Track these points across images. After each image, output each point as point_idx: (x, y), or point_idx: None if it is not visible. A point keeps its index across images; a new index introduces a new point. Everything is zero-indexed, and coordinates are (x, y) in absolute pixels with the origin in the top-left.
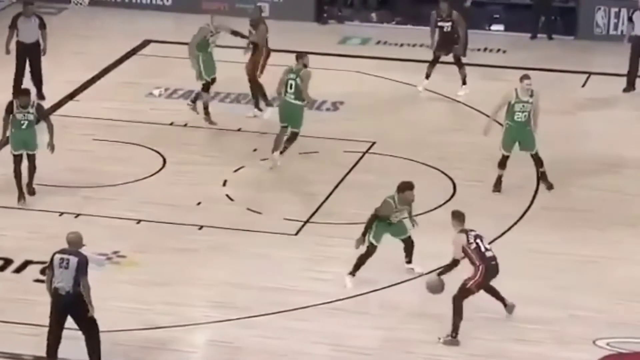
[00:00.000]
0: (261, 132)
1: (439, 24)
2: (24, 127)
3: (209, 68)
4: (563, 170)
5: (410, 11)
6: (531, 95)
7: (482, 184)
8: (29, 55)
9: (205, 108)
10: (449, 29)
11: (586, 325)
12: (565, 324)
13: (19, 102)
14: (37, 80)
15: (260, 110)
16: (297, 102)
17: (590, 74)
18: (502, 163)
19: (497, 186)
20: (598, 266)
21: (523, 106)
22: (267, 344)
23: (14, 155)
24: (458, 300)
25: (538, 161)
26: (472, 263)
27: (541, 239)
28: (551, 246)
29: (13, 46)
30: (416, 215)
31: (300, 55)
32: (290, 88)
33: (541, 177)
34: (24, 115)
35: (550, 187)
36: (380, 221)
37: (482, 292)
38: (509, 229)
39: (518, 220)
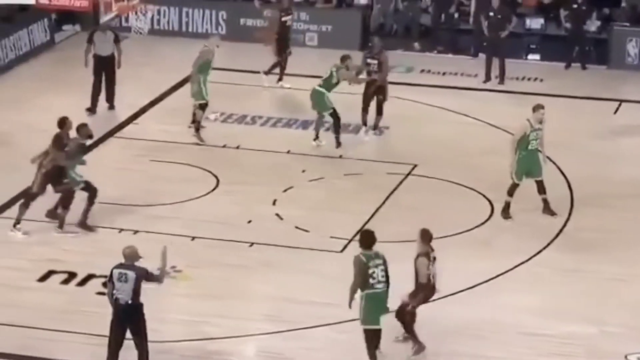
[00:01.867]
0: (309, 155)
1: (368, 60)
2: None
3: (207, 89)
4: (596, 192)
5: (451, 41)
6: (541, 122)
7: (518, 205)
8: (105, 68)
9: (198, 123)
10: (375, 68)
11: (618, 340)
12: (597, 340)
13: (82, 134)
14: (111, 91)
15: None
16: (321, 89)
17: (621, 101)
18: (513, 191)
19: (507, 213)
20: (629, 284)
21: (536, 134)
22: (315, 356)
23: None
24: (408, 325)
25: (542, 188)
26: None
27: (574, 257)
28: (584, 265)
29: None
30: (457, 234)
31: (344, 58)
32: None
33: (544, 204)
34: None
35: (553, 214)
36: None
37: (523, 309)
38: (544, 248)
39: (552, 240)
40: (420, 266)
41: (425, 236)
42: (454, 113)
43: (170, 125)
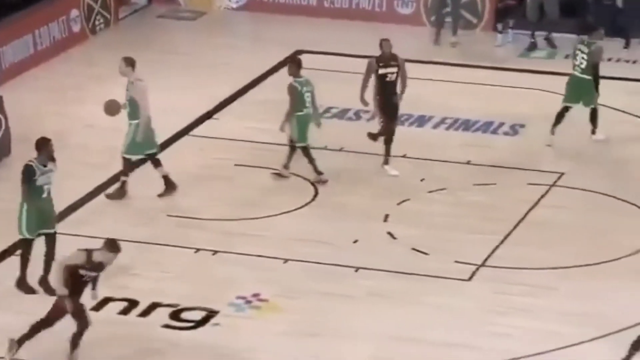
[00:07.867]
0: (429, 159)
1: (380, 71)
2: None
3: None
4: None
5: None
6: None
7: None
8: None
9: None
10: (393, 78)
11: None
12: None
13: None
14: None
15: None
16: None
17: None
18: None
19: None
20: None
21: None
22: None
23: None
24: None
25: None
26: None
27: None
28: None
29: None
30: (613, 260)
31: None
32: None
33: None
34: None
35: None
36: None
37: None
38: None
39: None
40: None
41: None
42: (609, 109)
43: (259, 122)
